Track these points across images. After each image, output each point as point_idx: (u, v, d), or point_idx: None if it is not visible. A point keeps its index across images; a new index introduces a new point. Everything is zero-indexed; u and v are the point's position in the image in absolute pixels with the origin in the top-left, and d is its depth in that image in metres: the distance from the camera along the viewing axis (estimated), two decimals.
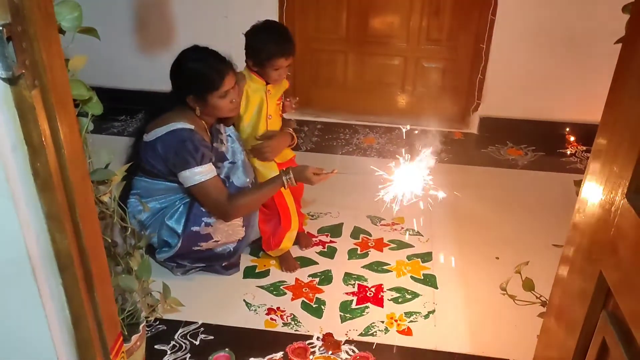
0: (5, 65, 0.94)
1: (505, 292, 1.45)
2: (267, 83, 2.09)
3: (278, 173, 1.97)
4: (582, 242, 0.97)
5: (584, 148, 3.22)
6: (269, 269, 2.19)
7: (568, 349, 0.98)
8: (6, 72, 0.95)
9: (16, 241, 1.08)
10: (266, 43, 2.03)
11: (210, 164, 1.88)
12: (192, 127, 1.88)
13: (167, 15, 3.29)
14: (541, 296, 1.44)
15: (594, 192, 0.93)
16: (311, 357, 1.78)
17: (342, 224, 2.48)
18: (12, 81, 0.97)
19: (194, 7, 3.25)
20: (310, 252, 2.29)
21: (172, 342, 1.85)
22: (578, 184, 1.16)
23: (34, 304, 1.16)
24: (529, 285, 1.43)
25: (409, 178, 2.09)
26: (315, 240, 2.36)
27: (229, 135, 2.06)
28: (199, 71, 1.83)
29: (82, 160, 1.19)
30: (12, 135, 1.01)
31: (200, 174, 1.85)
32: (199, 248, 2.01)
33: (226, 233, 2.02)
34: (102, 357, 1.35)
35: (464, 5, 3.18)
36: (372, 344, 1.83)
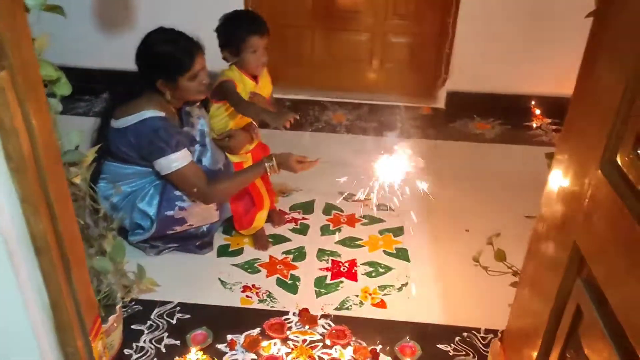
0: None
1: (477, 263, 1.50)
2: (254, 78, 2.08)
3: (248, 161, 1.96)
4: (555, 213, 1.01)
5: (549, 121, 3.31)
6: (243, 247, 2.19)
7: (542, 317, 1.02)
8: None
9: None
10: (238, 26, 2.01)
11: (186, 149, 1.86)
12: (163, 114, 1.85)
13: None
14: (512, 266, 1.49)
15: (567, 165, 0.96)
16: (288, 332, 1.80)
17: (314, 200, 2.49)
18: None
19: None
20: (283, 230, 2.30)
21: (149, 322, 1.84)
22: (549, 156, 1.21)
23: (11, 288, 1.14)
24: (500, 256, 1.48)
25: (390, 170, 2.13)
26: (288, 218, 2.37)
27: (199, 118, 2.03)
28: (168, 53, 1.79)
29: (53, 142, 1.16)
30: None
31: (177, 160, 1.83)
32: (173, 231, 2.00)
33: (200, 216, 2.01)
34: (82, 339, 1.34)
35: None
36: (348, 317, 1.87)
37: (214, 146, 2.03)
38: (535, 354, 1.07)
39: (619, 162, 0.76)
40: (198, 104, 2.03)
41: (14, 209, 1.09)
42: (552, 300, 0.98)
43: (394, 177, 2.20)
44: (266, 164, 1.90)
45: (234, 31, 2.00)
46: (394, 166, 2.18)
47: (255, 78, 2.12)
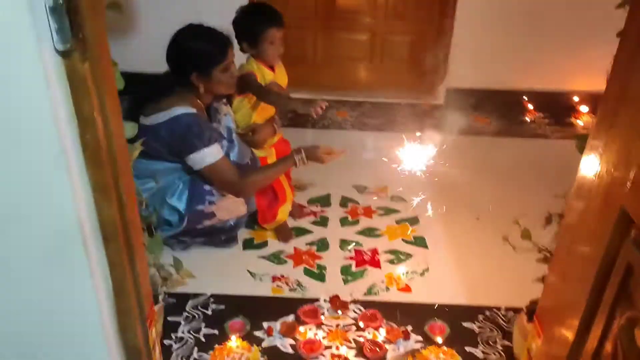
0: (63, 38, 0.96)
1: (507, 241, 1.60)
2: (271, 68, 2.15)
3: (272, 155, 2.03)
4: (596, 187, 1.10)
5: (542, 115, 3.46)
6: (267, 240, 2.25)
7: (586, 281, 1.11)
8: (63, 44, 0.97)
9: (69, 212, 1.11)
10: (256, 18, 2.08)
11: (217, 144, 1.92)
12: (194, 110, 1.90)
13: None
14: (538, 244, 1.60)
15: (610, 145, 1.06)
16: (322, 317, 1.88)
17: (330, 194, 2.57)
18: (66, 54, 0.99)
19: None
20: (304, 222, 2.38)
21: (185, 314, 1.90)
22: (581, 138, 1.31)
23: (84, 273, 1.19)
24: (526, 235, 1.58)
25: (399, 163, 2.22)
26: (307, 211, 2.44)
27: (225, 115, 2.10)
28: (202, 46, 1.86)
29: (122, 132, 1.22)
30: (66, 108, 1.04)
31: (210, 155, 1.89)
32: (202, 226, 2.05)
33: (229, 210, 2.07)
34: (141, 326, 1.39)
35: None
36: (377, 302, 1.95)
37: (241, 141, 2.09)
38: (577, 321, 1.16)
39: None
40: (224, 100, 2.10)
41: (87, 196, 1.14)
42: (596, 264, 1.07)
43: (403, 170, 2.29)
44: (295, 157, 1.97)
45: (253, 23, 2.08)
46: (402, 159, 2.27)
47: (272, 68, 2.20)
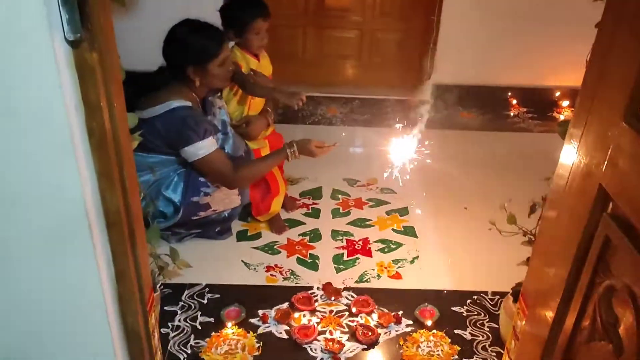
0: (74, 28, 1.01)
1: (494, 226, 1.67)
2: (256, 56, 2.21)
3: (265, 147, 2.08)
4: (578, 166, 1.18)
5: (525, 109, 3.56)
6: (260, 232, 2.31)
7: (567, 256, 1.19)
8: (74, 34, 1.02)
9: (77, 198, 1.15)
10: (243, 8, 2.15)
11: (212, 137, 1.96)
12: (189, 103, 1.95)
13: None
14: (522, 227, 1.67)
15: (588, 125, 1.13)
16: (316, 304, 1.93)
17: (321, 187, 2.63)
18: (75, 44, 1.04)
19: None
20: (296, 214, 2.43)
21: (181, 303, 1.94)
22: (562, 124, 1.38)
23: (89, 258, 1.23)
24: (512, 220, 1.65)
25: (388, 157, 2.28)
26: (299, 203, 2.50)
27: (220, 108, 2.15)
28: (198, 40, 1.91)
29: (126, 121, 1.26)
30: (74, 96, 1.08)
31: (204, 147, 1.93)
32: (197, 217, 2.10)
33: (223, 202, 2.11)
34: (141, 310, 1.43)
35: None
36: (368, 288, 2.01)
37: (235, 134, 2.14)
38: (558, 298, 1.23)
39: None
40: (219, 94, 2.15)
41: (93, 182, 1.19)
42: (576, 241, 1.15)
43: (392, 163, 2.36)
44: (288, 150, 2.03)
45: (240, 13, 2.14)
46: (392, 153, 2.34)
47: (256, 57, 2.27)
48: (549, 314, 1.28)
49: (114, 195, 1.23)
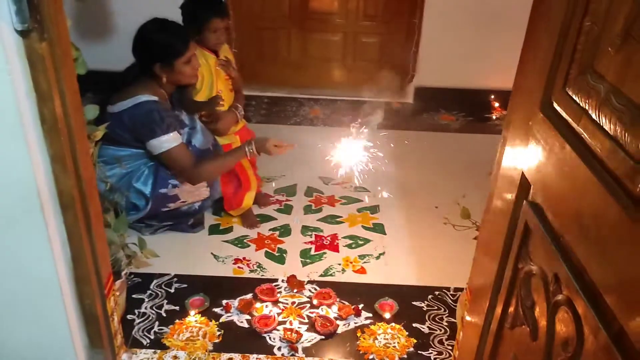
0: (21, 19, 1.07)
1: (447, 221, 1.71)
2: (215, 53, 2.27)
3: (236, 141, 2.14)
4: (508, 156, 1.23)
5: (506, 112, 3.59)
6: (232, 226, 2.36)
7: (497, 242, 1.23)
8: (22, 24, 1.08)
9: (28, 180, 1.21)
10: (200, 7, 2.22)
11: (176, 132, 2.02)
12: (156, 98, 2.01)
13: None
14: (476, 222, 1.72)
15: (515, 116, 1.19)
16: (278, 295, 1.98)
17: (296, 184, 2.68)
18: (24, 34, 1.10)
19: None
20: (269, 210, 2.49)
21: (149, 292, 1.99)
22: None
23: (42, 240, 1.28)
24: (466, 213, 1.70)
25: (354, 147, 2.33)
26: (273, 200, 2.55)
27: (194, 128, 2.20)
28: (164, 39, 1.97)
29: (80, 109, 1.32)
30: (25, 83, 1.14)
31: (167, 141, 1.99)
32: (167, 209, 2.16)
33: (192, 194, 2.17)
34: (98, 293, 1.49)
35: None
36: (332, 282, 2.06)
37: (203, 128, 2.20)
38: (490, 288, 1.28)
39: (553, 102, 0.99)
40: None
41: (45, 166, 1.25)
42: (505, 229, 1.20)
43: (369, 163, 2.41)
44: (246, 148, 2.08)
45: (197, 12, 2.22)
46: (369, 153, 2.39)
47: (215, 53, 2.33)
48: (485, 304, 1.33)
49: (67, 179, 1.28)
